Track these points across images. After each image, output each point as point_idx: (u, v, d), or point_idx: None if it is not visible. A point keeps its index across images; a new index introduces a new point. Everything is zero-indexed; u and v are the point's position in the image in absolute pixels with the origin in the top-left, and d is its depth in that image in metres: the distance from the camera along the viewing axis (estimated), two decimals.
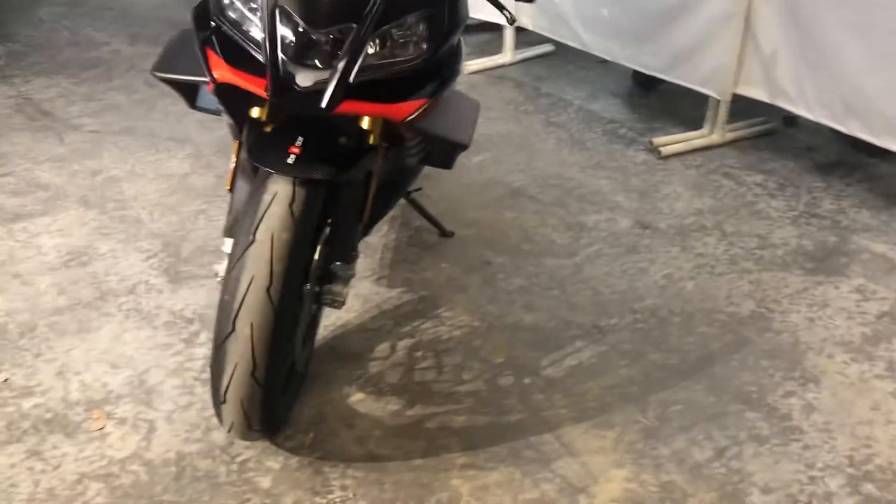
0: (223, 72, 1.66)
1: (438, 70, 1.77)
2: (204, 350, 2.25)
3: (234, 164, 1.87)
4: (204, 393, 2.09)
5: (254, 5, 1.64)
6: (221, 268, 1.88)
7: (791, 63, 3.23)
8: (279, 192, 1.63)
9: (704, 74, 3.51)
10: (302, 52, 1.59)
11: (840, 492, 1.84)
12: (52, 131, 3.67)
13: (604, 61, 4.35)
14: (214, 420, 1.98)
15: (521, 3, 2.01)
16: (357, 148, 1.76)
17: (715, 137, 3.57)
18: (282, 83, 1.58)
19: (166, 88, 3.83)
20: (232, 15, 1.66)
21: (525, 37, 4.38)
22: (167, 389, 2.11)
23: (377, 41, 1.62)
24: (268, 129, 1.76)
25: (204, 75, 1.70)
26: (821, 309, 2.46)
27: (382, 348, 2.29)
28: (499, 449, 1.95)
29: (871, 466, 1.91)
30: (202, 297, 2.48)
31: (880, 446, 1.96)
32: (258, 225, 1.61)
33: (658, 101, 4.05)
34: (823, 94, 3.13)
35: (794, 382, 2.17)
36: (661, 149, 3.46)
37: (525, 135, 3.63)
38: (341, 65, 1.57)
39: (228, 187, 1.88)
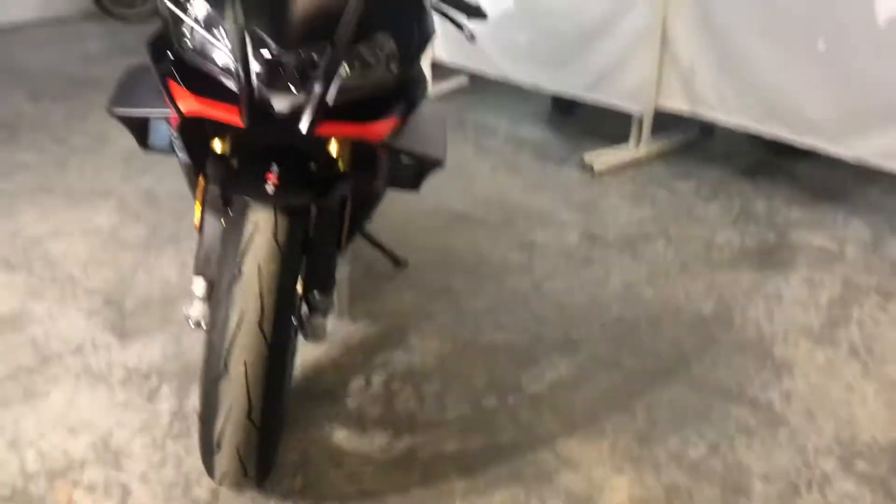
0: (189, 103, 1.58)
1: (408, 88, 1.74)
2: (168, 405, 2.11)
3: (199, 202, 1.77)
4: (177, 449, 1.96)
5: (217, 31, 1.57)
6: (193, 309, 1.78)
7: (709, 72, 3.36)
8: (260, 222, 1.55)
9: (626, 91, 3.61)
10: (275, 76, 1.54)
11: (836, 473, 1.87)
12: None
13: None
14: (194, 475, 1.87)
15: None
16: (330, 173, 1.71)
17: (642, 151, 3.67)
18: (257, 109, 1.52)
19: (78, 144, 3.69)
20: (194, 42, 1.59)
21: (437, 71, 4.41)
22: (136, 449, 1.97)
23: (350, 61, 1.58)
24: (232, 161, 1.69)
25: (166, 108, 1.61)
26: (777, 302, 2.53)
27: (357, 383, 2.21)
28: (498, 470, 1.90)
29: (859, 446, 1.95)
30: (157, 351, 2.34)
31: (863, 424, 2.02)
32: (243, 257, 1.53)
33: (579, 122, 4.14)
34: (742, 100, 3.27)
35: (768, 373, 2.21)
36: (594, 166, 3.53)
37: (458, 162, 3.63)
38: (318, 86, 1.52)
39: (197, 227, 1.78)
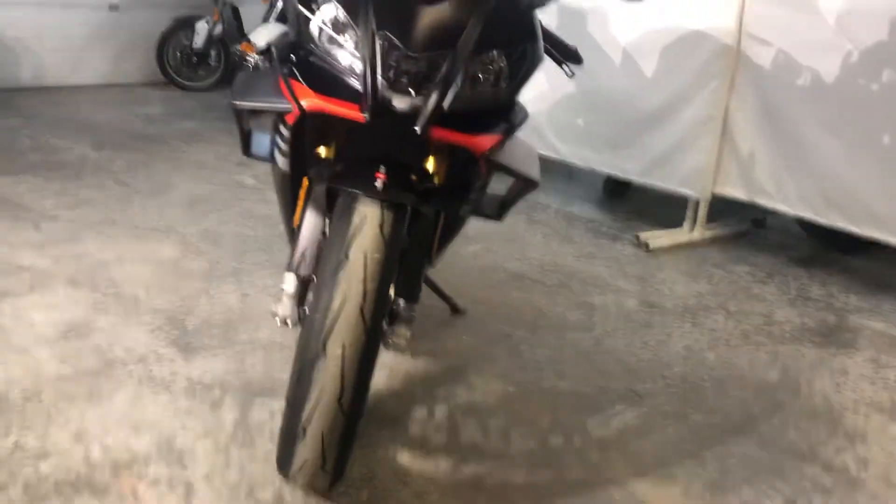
0: (311, 99, 1.65)
1: (512, 110, 1.81)
2: (232, 416, 2.10)
3: (300, 201, 1.81)
4: (242, 456, 1.93)
5: (345, 33, 1.65)
6: (281, 307, 1.80)
7: (768, 161, 3.43)
8: (369, 215, 1.59)
9: (683, 176, 3.68)
10: (398, 77, 1.60)
11: None
12: (27, 221, 3.52)
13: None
14: (259, 479, 1.84)
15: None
16: (432, 182, 1.75)
17: (696, 235, 3.71)
18: (379, 105, 1.58)
19: (141, 187, 3.80)
20: (323, 43, 1.67)
21: None
22: (199, 451, 1.94)
23: (466, 72, 1.65)
24: (338, 164, 1.75)
25: (286, 103, 1.68)
26: (842, 376, 2.50)
27: (420, 412, 2.18)
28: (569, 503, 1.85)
29: None
30: (219, 367, 2.33)
31: None
32: (350, 244, 1.55)
33: (631, 204, 4.21)
34: (803, 190, 3.32)
35: (841, 440, 2.17)
36: (649, 242, 3.56)
37: (511, 231, 3.68)
38: (437, 90, 1.58)
39: (296, 224, 1.82)
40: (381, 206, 1.61)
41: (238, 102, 1.78)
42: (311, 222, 1.75)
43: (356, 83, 1.63)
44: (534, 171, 1.88)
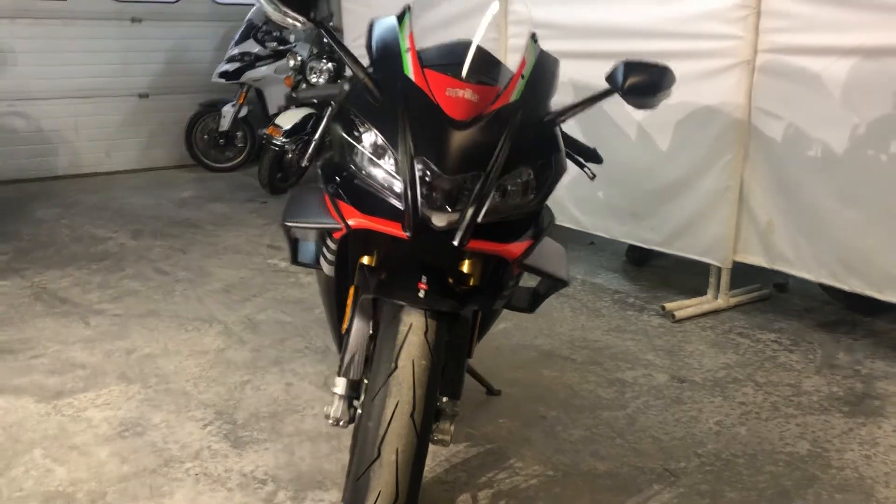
0: (357, 219, 1.80)
1: (540, 215, 1.94)
2: None
3: (348, 308, 1.95)
4: None
5: (385, 157, 1.80)
6: (333, 409, 1.91)
7: (786, 229, 3.53)
8: (414, 324, 1.72)
9: (704, 245, 3.79)
10: (435, 196, 1.75)
11: None
12: (76, 316, 3.68)
13: (592, 243, 4.68)
14: None
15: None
16: (466, 287, 1.88)
17: (720, 302, 3.80)
18: (420, 223, 1.72)
19: (181, 276, 3.97)
20: (364, 166, 1.82)
21: None
22: None
23: (498, 187, 1.80)
24: (381, 274, 1.88)
25: (334, 222, 1.83)
26: (872, 447, 2.56)
27: (464, 499, 2.27)
28: None
29: None
30: (270, 460, 2.45)
31: None
32: (399, 353, 1.68)
33: (653, 273, 4.31)
34: (822, 257, 3.41)
35: None
36: (675, 313, 3.66)
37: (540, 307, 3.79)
38: (472, 207, 1.73)
39: (344, 329, 1.95)
40: (425, 314, 1.74)
41: (290, 223, 1.92)
42: (359, 328, 1.88)
43: (396, 202, 1.77)
44: (562, 271, 2.01)
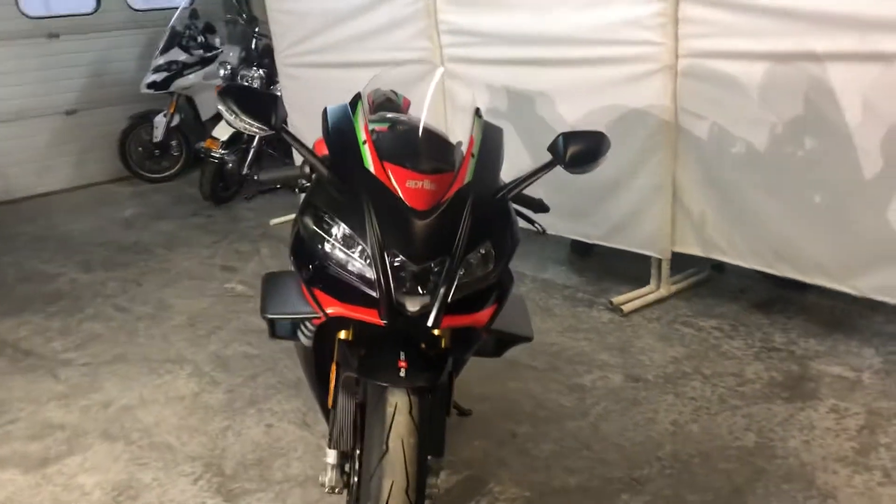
0: (335, 307, 1.93)
1: (502, 280, 2.11)
2: None
3: (332, 384, 2.09)
4: None
5: (355, 248, 1.93)
6: (328, 478, 2.07)
7: (718, 221, 3.77)
8: (399, 403, 1.87)
9: (643, 239, 4.01)
10: (406, 283, 1.89)
11: None
12: (43, 370, 3.73)
13: (542, 232, 4.86)
14: None
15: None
16: (438, 351, 2.04)
17: (663, 291, 4.04)
18: (394, 310, 1.87)
19: (141, 312, 4.03)
20: (337, 257, 1.94)
21: None
22: None
23: (462, 264, 1.95)
24: (361, 351, 2.02)
25: (313, 311, 1.96)
26: (810, 431, 2.83)
27: None
28: None
29: None
30: None
31: None
32: (388, 434, 1.83)
33: (598, 263, 4.53)
34: (753, 245, 3.67)
35: (816, 501, 2.49)
36: (623, 307, 3.89)
37: None
38: (442, 290, 1.88)
39: (330, 404, 2.09)
40: (408, 391, 1.89)
41: (271, 315, 2.05)
42: (344, 404, 2.02)
43: (368, 290, 1.90)
44: (527, 329, 2.18)
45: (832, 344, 3.42)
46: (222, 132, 6.17)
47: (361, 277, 1.92)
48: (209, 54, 7.06)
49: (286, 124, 2.08)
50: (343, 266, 1.93)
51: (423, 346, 2.04)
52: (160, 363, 3.71)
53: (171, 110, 7.10)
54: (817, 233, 3.42)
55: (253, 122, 2.02)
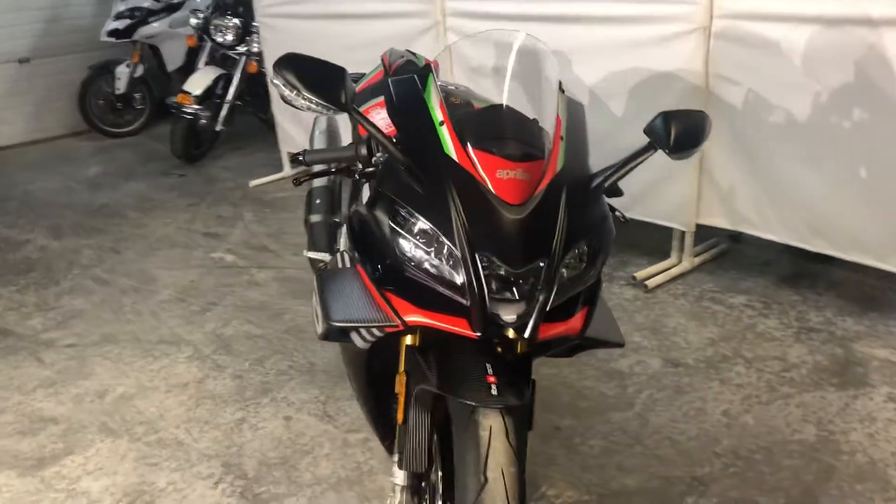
0: (415, 316, 1.67)
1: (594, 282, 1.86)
2: None
3: (401, 395, 1.83)
4: None
5: (441, 250, 1.65)
6: (397, 501, 1.84)
7: (749, 193, 3.58)
8: (494, 427, 1.62)
9: (668, 210, 3.81)
10: (501, 291, 1.63)
11: None
12: (25, 352, 3.41)
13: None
14: None
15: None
16: (521, 360, 1.79)
17: (686, 265, 3.86)
18: (488, 321, 1.61)
19: (123, 285, 3.72)
20: (417, 258, 1.67)
21: None
22: None
23: (562, 271, 1.69)
24: (431, 355, 1.76)
25: (387, 318, 1.69)
26: (871, 423, 2.69)
27: None
28: None
29: None
30: None
31: None
32: (486, 464, 1.60)
33: (617, 233, 4.31)
34: (786, 219, 3.49)
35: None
36: (647, 283, 3.70)
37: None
38: (542, 297, 1.63)
39: (400, 419, 1.84)
40: (502, 413, 1.65)
41: (338, 323, 1.76)
42: (419, 421, 1.77)
43: (455, 295, 1.64)
44: (616, 334, 1.95)
45: (870, 324, 3.29)
46: (195, 86, 5.76)
47: (446, 282, 1.65)
48: (176, 0, 6.59)
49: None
50: (424, 269, 1.66)
51: (499, 349, 1.79)
52: (154, 344, 3.40)
53: (135, 60, 6.66)
54: (859, 208, 3.25)
55: (319, 101, 1.72)
